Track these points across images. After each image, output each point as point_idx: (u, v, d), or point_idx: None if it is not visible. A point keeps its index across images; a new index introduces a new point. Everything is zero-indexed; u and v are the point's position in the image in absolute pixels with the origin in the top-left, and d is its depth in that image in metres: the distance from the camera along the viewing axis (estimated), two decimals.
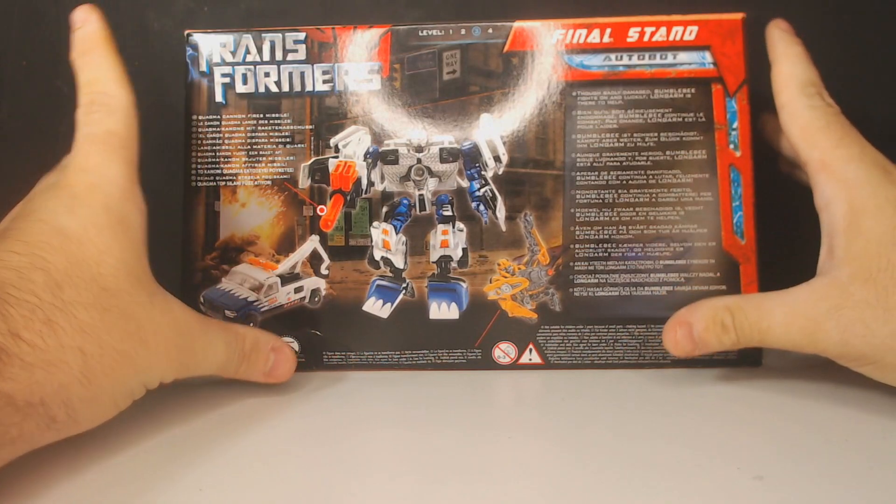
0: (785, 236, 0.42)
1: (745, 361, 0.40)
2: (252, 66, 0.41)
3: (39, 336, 0.27)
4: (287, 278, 0.41)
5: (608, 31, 0.40)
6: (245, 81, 0.41)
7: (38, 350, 0.26)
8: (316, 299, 0.41)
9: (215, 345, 0.34)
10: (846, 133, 0.34)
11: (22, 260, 0.28)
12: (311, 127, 0.41)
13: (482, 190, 0.40)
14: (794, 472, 0.29)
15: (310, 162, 0.41)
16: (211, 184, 0.41)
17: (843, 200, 0.33)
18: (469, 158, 0.40)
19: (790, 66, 0.36)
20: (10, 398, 0.26)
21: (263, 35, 0.41)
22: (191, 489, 0.28)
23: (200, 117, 0.41)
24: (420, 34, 0.40)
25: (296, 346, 0.41)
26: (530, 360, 0.41)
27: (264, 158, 0.41)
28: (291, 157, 0.41)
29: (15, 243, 0.29)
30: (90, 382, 0.28)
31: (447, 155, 0.40)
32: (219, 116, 0.41)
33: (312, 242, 0.41)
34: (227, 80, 0.41)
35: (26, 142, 0.52)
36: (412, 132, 0.41)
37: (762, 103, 0.40)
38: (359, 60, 0.41)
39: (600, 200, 0.40)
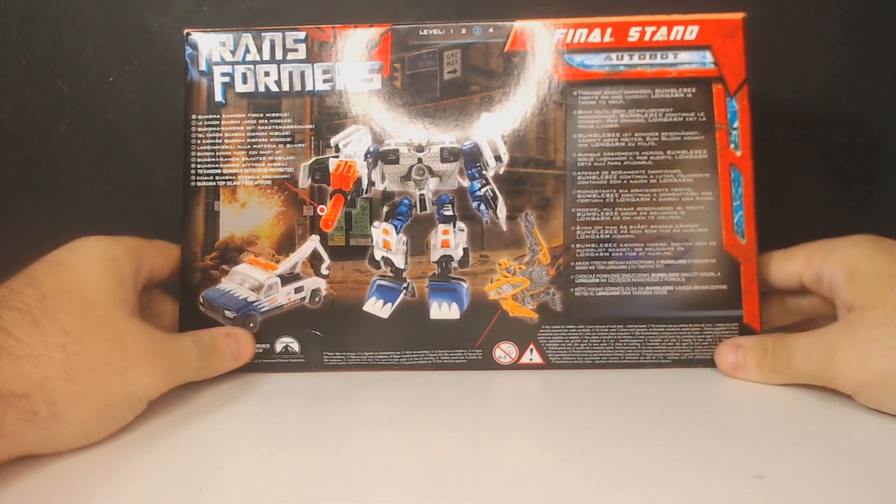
0: (785, 236, 0.42)
1: None
2: (252, 66, 0.41)
3: (26, 333, 0.30)
4: (287, 278, 0.41)
5: (609, 30, 0.40)
6: (245, 81, 0.41)
7: (24, 344, 0.30)
8: (316, 299, 0.41)
9: (186, 346, 0.37)
10: (809, 242, 0.40)
11: (19, 282, 0.33)
12: (311, 126, 0.41)
13: (483, 189, 0.40)
14: (795, 472, 0.29)
15: (310, 161, 0.41)
16: (210, 183, 0.41)
17: (838, 264, 0.37)
18: (470, 158, 0.40)
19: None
20: None
21: (263, 34, 0.41)
22: (191, 489, 0.28)
23: (200, 117, 0.41)
24: (421, 33, 0.40)
25: (296, 346, 0.41)
26: (531, 360, 0.41)
27: (264, 158, 0.41)
28: (291, 157, 0.41)
29: (20, 276, 0.34)
30: (72, 378, 0.30)
31: (448, 154, 0.40)
32: (218, 116, 0.41)
33: (313, 242, 0.41)
34: (227, 79, 0.41)
35: (26, 142, 0.52)
36: (413, 132, 0.40)
37: (763, 103, 0.40)
38: (359, 60, 0.40)
39: (601, 200, 0.40)
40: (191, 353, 0.37)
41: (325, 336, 0.41)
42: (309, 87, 0.41)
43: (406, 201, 0.41)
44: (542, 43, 0.40)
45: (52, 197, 0.53)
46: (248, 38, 0.41)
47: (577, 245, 0.40)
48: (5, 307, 0.31)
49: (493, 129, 0.40)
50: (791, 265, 0.39)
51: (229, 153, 0.41)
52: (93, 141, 0.53)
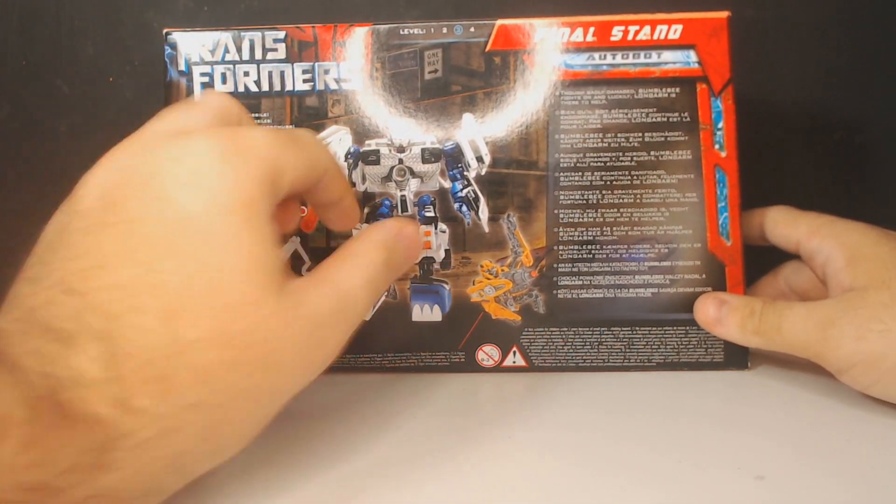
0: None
1: (732, 364, 0.40)
2: (231, 66, 0.40)
3: (153, 400, 0.20)
4: None
5: (591, 29, 0.39)
6: (224, 81, 0.40)
7: (152, 418, 0.20)
8: None
9: (357, 297, 0.26)
10: (818, 214, 0.39)
11: (136, 271, 0.21)
12: (291, 127, 0.40)
13: (465, 191, 0.40)
14: (795, 472, 0.29)
15: None
16: None
17: (839, 247, 0.36)
18: (451, 159, 0.40)
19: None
20: (115, 497, 0.20)
21: (242, 34, 0.40)
22: None
23: None
24: (401, 33, 0.40)
25: None
26: (514, 362, 0.40)
27: None
28: None
29: (129, 236, 0.21)
30: (207, 439, 0.22)
31: (429, 155, 0.40)
32: None
33: (293, 244, 0.40)
34: (207, 79, 0.40)
35: (26, 142, 0.52)
36: (394, 132, 0.40)
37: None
38: (340, 60, 0.40)
39: (584, 201, 0.40)
40: (360, 301, 0.27)
41: None
42: (289, 88, 0.40)
43: (387, 202, 0.40)
44: (524, 42, 0.40)
45: (52, 197, 0.53)
46: (227, 38, 0.40)
47: (560, 247, 0.40)
48: (128, 346, 0.20)
49: (475, 129, 0.40)
50: (793, 232, 0.39)
51: None
52: (93, 141, 0.52)
